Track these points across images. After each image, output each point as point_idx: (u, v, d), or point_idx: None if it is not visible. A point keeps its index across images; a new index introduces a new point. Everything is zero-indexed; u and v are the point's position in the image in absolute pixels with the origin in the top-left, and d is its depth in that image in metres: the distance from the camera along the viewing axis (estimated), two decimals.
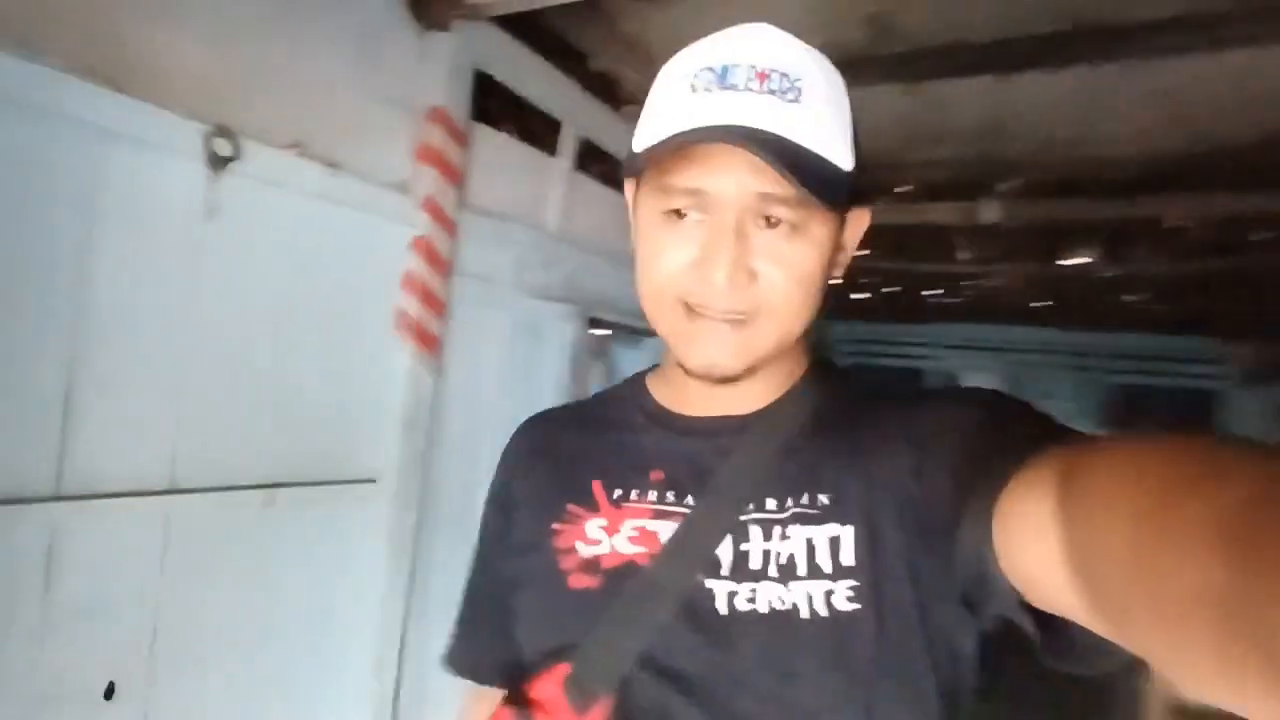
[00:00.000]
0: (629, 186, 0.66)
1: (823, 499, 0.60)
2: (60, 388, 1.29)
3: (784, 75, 0.57)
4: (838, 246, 0.63)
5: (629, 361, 3.15)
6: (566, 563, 0.66)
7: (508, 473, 0.77)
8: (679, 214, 0.59)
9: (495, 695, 0.70)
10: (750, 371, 0.62)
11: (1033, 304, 5.31)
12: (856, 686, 0.56)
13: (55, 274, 1.27)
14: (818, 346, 0.72)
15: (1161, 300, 4.71)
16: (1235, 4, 1.54)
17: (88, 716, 1.37)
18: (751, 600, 0.58)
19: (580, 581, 0.64)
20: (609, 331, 2.98)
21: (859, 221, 0.66)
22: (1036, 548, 0.43)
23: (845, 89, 0.61)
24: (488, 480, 0.78)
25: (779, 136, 0.55)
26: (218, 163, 1.45)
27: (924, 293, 5.37)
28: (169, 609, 1.48)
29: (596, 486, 0.68)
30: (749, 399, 0.67)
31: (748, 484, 0.63)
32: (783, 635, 0.57)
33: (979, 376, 5.89)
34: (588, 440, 0.73)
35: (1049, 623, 0.46)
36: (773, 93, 0.57)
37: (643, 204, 0.62)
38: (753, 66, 0.57)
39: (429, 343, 2.02)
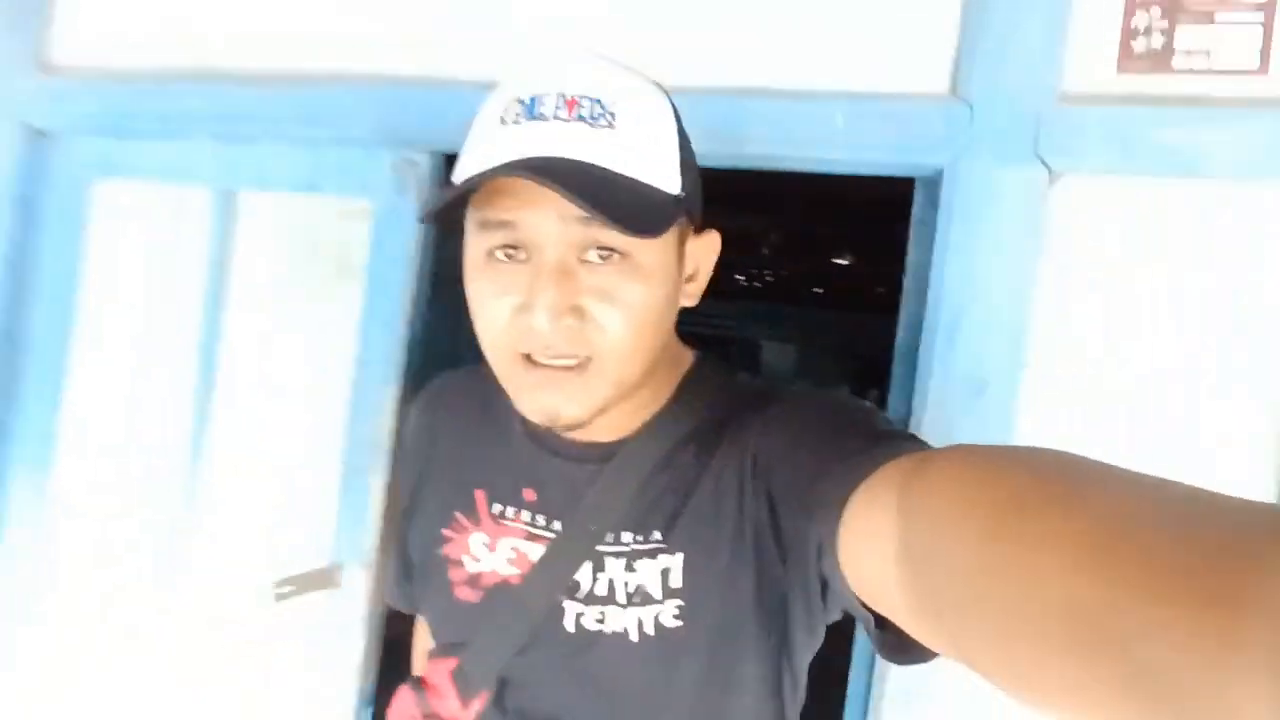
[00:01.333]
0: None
1: (671, 526, 0.62)
2: None
3: (595, 101, 0.55)
4: (684, 273, 0.62)
5: None
6: (455, 574, 0.70)
7: (419, 445, 0.78)
8: (504, 255, 0.56)
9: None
10: (600, 414, 0.59)
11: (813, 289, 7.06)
12: (680, 697, 0.61)
13: None
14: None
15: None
16: None
17: None
18: (600, 621, 0.63)
19: (465, 594, 0.70)
20: None
21: (708, 245, 0.64)
22: (875, 556, 0.42)
23: (671, 109, 0.59)
24: None
25: (587, 165, 0.52)
26: None
27: (736, 276, 6.92)
28: None
29: (479, 497, 0.70)
30: (616, 425, 0.64)
31: (608, 515, 0.64)
32: (617, 654, 0.62)
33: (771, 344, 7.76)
34: (478, 441, 0.73)
35: (886, 621, 0.44)
36: (582, 120, 0.54)
37: (467, 247, 0.58)
38: (561, 94, 0.55)
39: None
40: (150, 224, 1.26)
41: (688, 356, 0.70)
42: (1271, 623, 0.23)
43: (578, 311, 0.55)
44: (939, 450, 0.43)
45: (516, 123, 0.54)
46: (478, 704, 0.69)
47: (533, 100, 0.55)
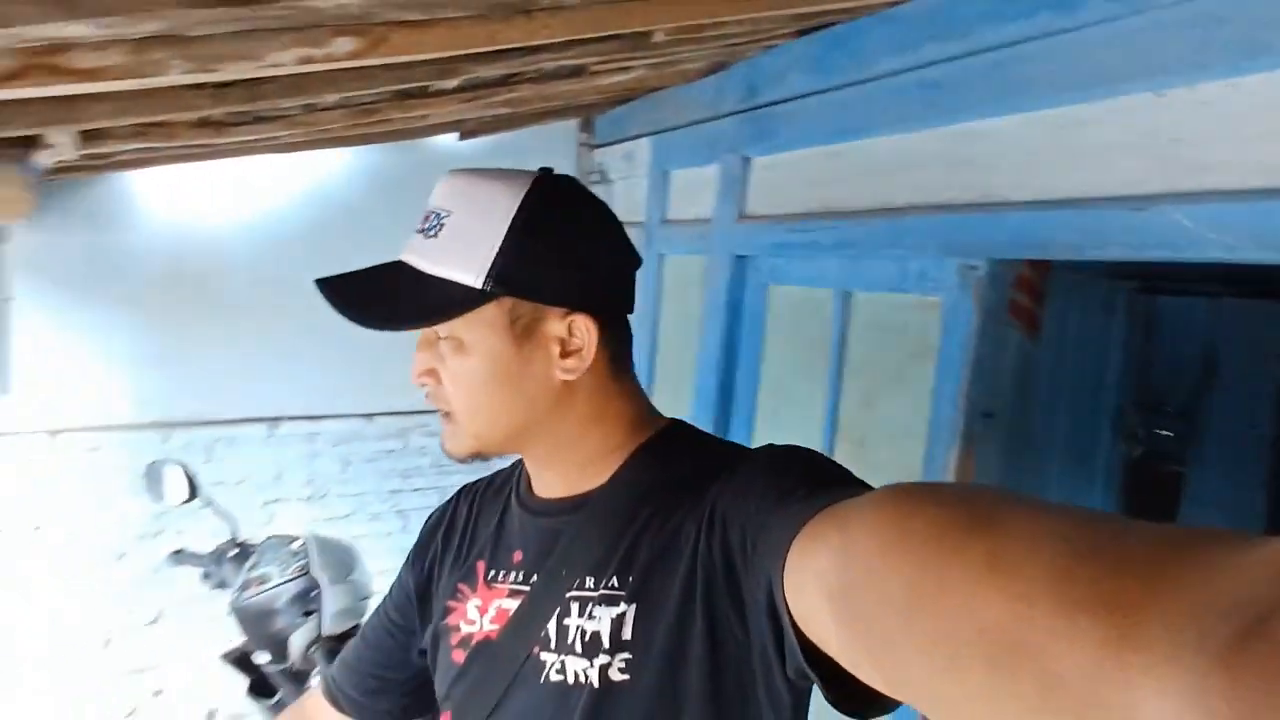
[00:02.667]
0: None
1: (626, 579, 0.64)
2: None
3: (437, 214, 0.66)
4: (545, 349, 0.67)
5: None
6: (452, 639, 0.75)
7: (431, 541, 0.84)
8: None
9: (322, 712, 0.87)
10: (480, 456, 0.70)
11: None
12: None
13: None
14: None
15: None
16: None
17: None
18: (560, 671, 0.65)
19: (457, 656, 0.74)
20: None
21: (580, 327, 0.67)
22: (818, 596, 0.43)
23: (514, 212, 0.64)
24: None
25: (405, 270, 0.66)
26: None
27: None
28: None
29: (479, 567, 0.76)
30: (583, 480, 0.71)
31: (573, 564, 0.67)
32: (567, 702, 0.64)
33: None
34: (487, 519, 0.80)
35: (833, 672, 0.44)
36: (422, 232, 0.67)
37: None
38: (432, 209, 0.67)
39: None
40: (795, 316, 1.86)
41: (658, 421, 0.75)
42: (1169, 625, 0.24)
43: (434, 375, 0.69)
44: (877, 490, 0.44)
45: (414, 232, 0.69)
46: None
47: (424, 215, 0.69)
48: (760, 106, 1.88)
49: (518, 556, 0.74)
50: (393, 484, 2.86)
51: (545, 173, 0.69)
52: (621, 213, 2.76)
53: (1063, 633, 0.27)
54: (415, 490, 2.89)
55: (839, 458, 1.67)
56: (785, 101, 1.78)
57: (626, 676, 0.62)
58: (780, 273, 1.90)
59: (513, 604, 0.71)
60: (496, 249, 0.64)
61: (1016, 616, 0.29)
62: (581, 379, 0.68)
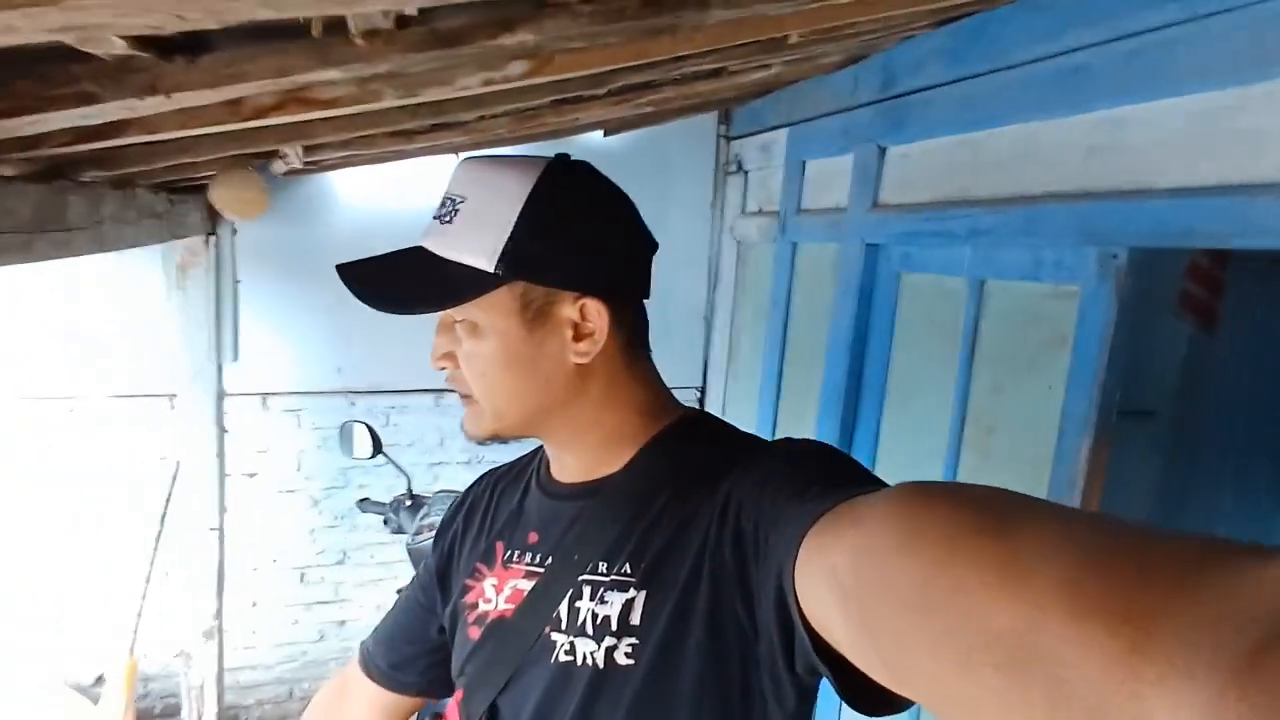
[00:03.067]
0: None
1: (638, 565, 0.65)
2: None
3: (452, 199, 0.67)
4: (559, 334, 0.67)
5: None
6: (469, 616, 0.77)
7: (453, 522, 0.86)
8: None
9: (365, 690, 0.88)
10: (498, 438, 0.71)
11: None
12: None
13: None
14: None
15: None
16: None
17: None
18: (570, 652, 0.66)
19: (473, 633, 0.75)
20: None
21: (592, 311, 0.67)
22: (828, 593, 0.43)
23: (524, 199, 0.64)
24: None
25: (422, 255, 0.67)
26: None
27: None
28: None
29: (498, 547, 0.77)
30: (600, 465, 0.72)
31: (586, 548, 0.68)
32: (570, 681, 0.65)
33: None
34: (507, 501, 0.81)
35: (844, 666, 0.44)
36: (438, 218, 0.68)
37: None
38: (447, 195, 0.68)
39: None
40: (926, 303, 1.88)
41: (677, 410, 0.76)
42: (1183, 637, 0.24)
43: (451, 358, 0.70)
44: (893, 488, 0.44)
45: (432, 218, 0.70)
46: None
47: (441, 201, 0.70)
48: (896, 96, 1.91)
49: (534, 538, 0.75)
50: None
51: (559, 159, 0.70)
52: (755, 202, 2.85)
53: (1074, 641, 0.27)
54: None
55: (967, 446, 1.69)
56: (921, 91, 1.81)
57: (631, 661, 0.63)
58: (912, 261, 1.93)
59: (528, 584, 0.72)
60: (508, 234, 0.64)
61: (1028, 622, 0.29)
62: (595, 363, 0.68)
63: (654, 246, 0.72)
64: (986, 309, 1.69)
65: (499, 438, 0.72)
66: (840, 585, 0.41)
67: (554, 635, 0.67)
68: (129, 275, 2.54)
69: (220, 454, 2.65)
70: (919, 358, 1.93)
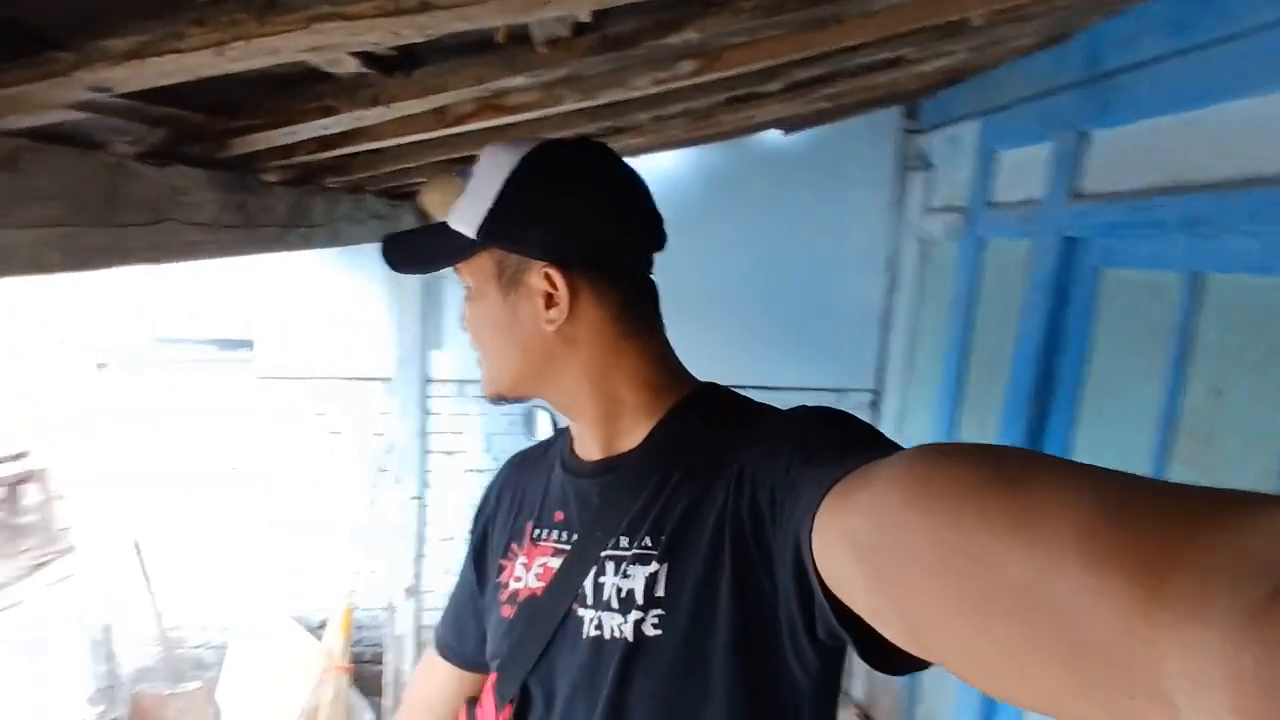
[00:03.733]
0: None
1: (659, 538, 0.66)
2: None
3: (467, 179, 0.74)
4: (529, 299, 0.70)
5: None
6: (502, 595, 0.78)
7: (486, 503, 0.88)
8: None
9: (443, 669, 0.91)
10: (502, 399, 0.75)
11: None
12: (656, 700, 0.64)
13: None
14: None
15: None
16: None
17: None
18: (598, 627, 0.67)
19: (506, 611, 0.76)
20: None
21: (556, 280, 0.68)
22: (847, 554, 0.43)
23: (509, 175, 0.68)
24: None
25: (439, 228, 0.74)
26: None
27: None
28: None
29: (528, 527, 0.79)
30: (619, 441, 0.73)
31: (607, 524, 0.70)
32: (602, 656, 0.66)
33: None
34: (535, 482, 0.82)
35: (866, 630, 0.44)
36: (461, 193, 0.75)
37: None
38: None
39: None
40: (1130, 301, 1.70)
41: (691, 383, 0.76)
42: (1197, 584, 0.24)
43: (464, 321, 0.77)
44: (906, 450, 0.43)
45: None
46: (505, 713, 0.75)
47: None
48: (1103, 76, 1.75)
49: (560, 516, 0.76)
50: None
51: (546, 142, 0.73)
52: (940, 198, 2.73)
53: (1091, 589, 0.27)
54: None
55: (1179, 455, 1.54)
56: (1133, 68, 1.65)
57: (660, 631, 0.64)
58: (1115, 255, 1.75)
59: (557, 561, 0.73)
60: (490, 205, 0.69)
61: (1044, 573, 0.29)
62: (580, 333, 0.70)
63: (650, 229, 0.74)
64: (1204, 306, 1.51)
65: (503, 398, 0.76)
66: (856, 547, 0.42)
67: (580, 611, 0.69)
68: (353, 271, 2.92)
69: (423, 433, 2.97)
70: (1120, 361, 1.75)
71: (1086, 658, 0.27)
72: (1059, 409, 1.93)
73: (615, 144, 1.86)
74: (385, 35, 0.61)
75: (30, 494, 6.01)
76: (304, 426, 3.15)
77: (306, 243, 1.31)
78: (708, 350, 3.25)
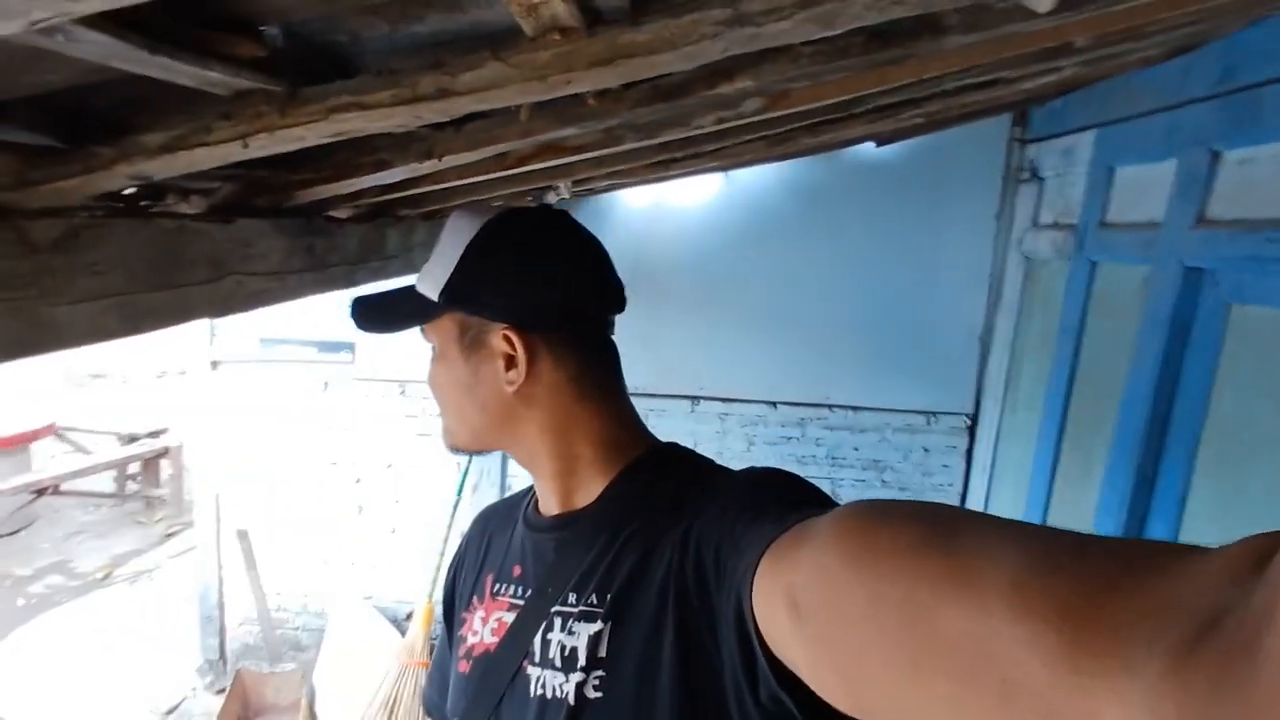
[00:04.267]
0: None
1: (605, 596, 0.66)
2: None
3: (436, 243, 0.75)
4: (489, 362, 0.71)
5: None
6: (460, 650, 0.78)
7: (459, 556, 0.89)
8: None
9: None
10: (459, 451, 0.79)
11: None
12: None
13: None
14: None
15: None
16: None
17: None
18: (543, 686, 0.67)
19: (463, 666, 0.77)
20: None
21: (518, 343, 0.69)
22: (785, 614, 0.43)
23: (468, 242, 0.71)
24: None
25: (406, 291, 0.76)
26: None
27: None
28: None
29: (488, 581, 0.79)
30: (575, 497, 0.74)
31: (558, 580, 0.70)
32: (545, 717, 0.66)
33: None
34: (501, 536, 0.83)
35: (808, 695, 0.44)
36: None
37: None
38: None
39: None
40: (1265, 342, 1.51)
41: (648, 443, 0.76)
42: (1120, 631, 0.25)
43: (430, 378, 0.78)
44: (841, 506, 0.44)
45: None
46: None
47: None
48: (1239, 90, 1.57)
49: (517, 571, 0.77)
50: (789, 468, 3.10)
51: (505, 211, 0.75)
52: (1050, 214, 2.56)
53: (1020, 640, 0.28)
54: (810, 477, 3.08)
55: None
56: (1275, 82, 1.46)
57: (600, 694, 0.64)
58: (1248, 290, 1.57)
59: (511, 617, 0.74)
60: (452, 269, 0.71)
61: (976, 627, 0.30)
62: (539, 393, 0.72)
63: (608, 293, 0.76)
64: None
65: (460, 450, 0.80)
66: (795, 604, 0.42)
67: (529, 669, 0.69)
68: None
69: None
70: (1249, 407, 1.57)
71: (1023, 710, 0.27)
72: (1173, 456, 1.76)
73: (690, 167, 1.82)
74: (406, 120, 0.61)
75: (164, 469, 6.58)
76: (395, 427, 3.28)
77: (379, 275, 1.35)
78: (797, 369, 3.17)
